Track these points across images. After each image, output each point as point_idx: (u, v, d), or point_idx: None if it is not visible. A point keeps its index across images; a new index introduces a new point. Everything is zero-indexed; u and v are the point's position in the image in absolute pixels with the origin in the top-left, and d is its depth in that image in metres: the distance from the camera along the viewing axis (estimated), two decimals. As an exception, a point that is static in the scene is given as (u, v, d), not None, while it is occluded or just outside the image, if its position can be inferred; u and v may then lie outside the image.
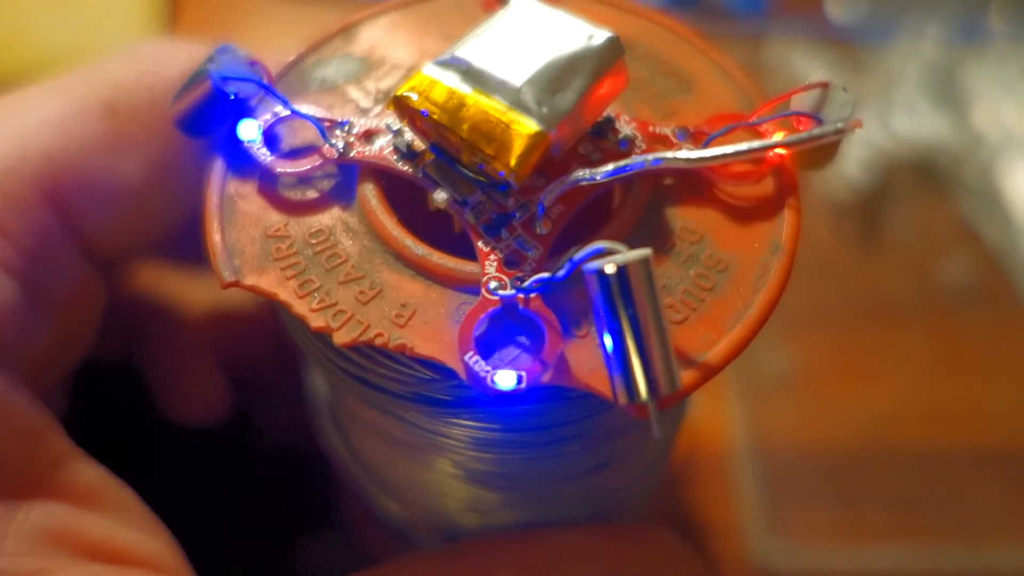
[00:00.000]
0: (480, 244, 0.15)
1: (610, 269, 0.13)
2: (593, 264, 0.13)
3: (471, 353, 0.14)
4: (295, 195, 0.16)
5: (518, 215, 0.15)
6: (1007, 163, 0.34)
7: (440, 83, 0.15)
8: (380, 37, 0.18)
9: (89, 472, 0.17)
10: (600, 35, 0.15)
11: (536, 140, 0.14)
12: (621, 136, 0.16)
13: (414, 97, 0.15)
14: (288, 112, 0.16)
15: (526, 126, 0.14)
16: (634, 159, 0.15)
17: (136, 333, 0.22)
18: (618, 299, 0.13)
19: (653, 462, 0.21)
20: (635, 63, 0.17)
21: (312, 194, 0.16)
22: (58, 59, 0.35)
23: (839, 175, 0.34)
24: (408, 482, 0.19)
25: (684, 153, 0.15)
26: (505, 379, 0.13)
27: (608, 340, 0.13)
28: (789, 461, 0.28)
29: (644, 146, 0.16)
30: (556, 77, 0.15)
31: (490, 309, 0.14)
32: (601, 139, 0.16)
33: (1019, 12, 0.37)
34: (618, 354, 0.13)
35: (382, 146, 0.16)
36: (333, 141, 0.16)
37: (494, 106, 0.14)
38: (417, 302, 0.15)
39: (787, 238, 0.15)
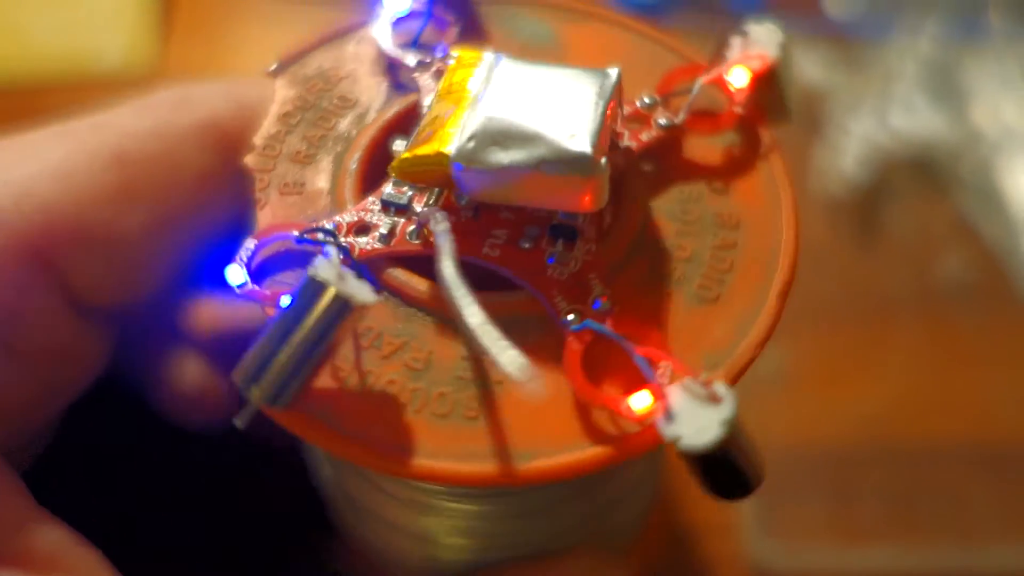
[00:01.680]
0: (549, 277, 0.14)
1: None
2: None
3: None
4: None
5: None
6: (1006, 160, 0.34)
7: None
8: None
9: (51, 535, 0.16)
10: (610, 73, 0.15)
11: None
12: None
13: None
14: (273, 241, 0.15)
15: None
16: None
17: (134, 341, 0.22)
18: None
19: (645, 473, 0.20)
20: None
21: None
22: (51, 56, 0.35)
23: (836, 171, 0.34)
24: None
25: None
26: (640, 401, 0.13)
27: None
28: (783, 459, 0.28)
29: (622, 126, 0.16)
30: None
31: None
32: None
33: (1018, 9, 0.37)
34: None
35: (385, 233, 0.15)
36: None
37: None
38: None
39: (783, 188, 0.16)
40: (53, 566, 0.16)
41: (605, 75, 0.15)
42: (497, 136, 0.14)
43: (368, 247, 0.15)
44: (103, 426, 0.22)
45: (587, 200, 0.14)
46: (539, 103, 0.14)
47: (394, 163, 0.15)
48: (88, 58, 0.35)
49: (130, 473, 0.23)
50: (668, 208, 0.16)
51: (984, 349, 0.31)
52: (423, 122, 0.15)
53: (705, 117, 0.16)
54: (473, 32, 0.17)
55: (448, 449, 0.13)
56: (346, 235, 0.15)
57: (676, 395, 0.13)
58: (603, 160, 0.14)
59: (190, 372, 0.22)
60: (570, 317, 0.14)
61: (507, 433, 0.14)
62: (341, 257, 0.14)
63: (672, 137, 0.16)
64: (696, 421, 0.13)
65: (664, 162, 0.16)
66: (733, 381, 0.14)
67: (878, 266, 0.32)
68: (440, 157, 0.14)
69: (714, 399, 0.13)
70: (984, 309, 0.31)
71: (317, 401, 0.14)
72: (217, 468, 0.24)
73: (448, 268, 0.13)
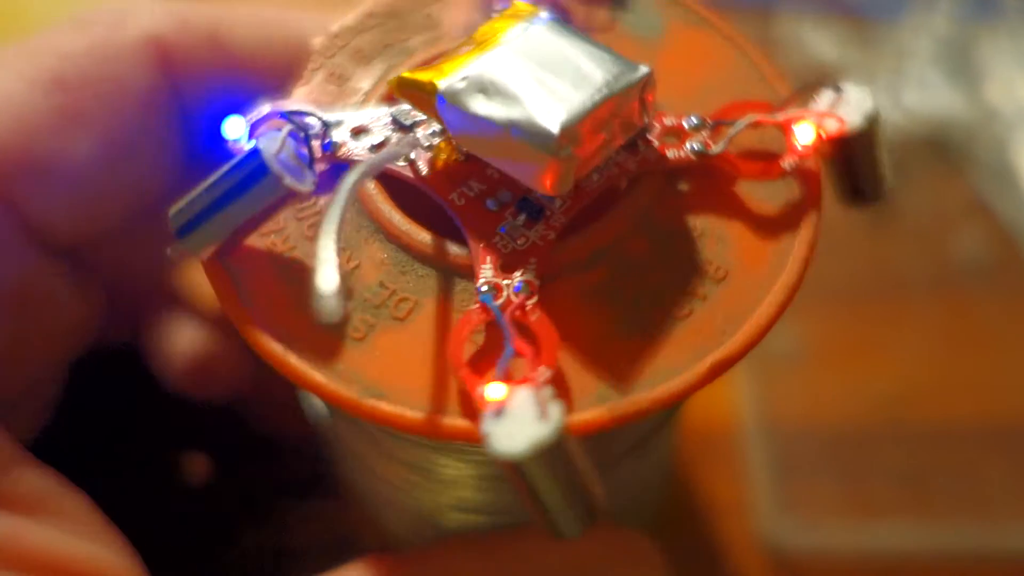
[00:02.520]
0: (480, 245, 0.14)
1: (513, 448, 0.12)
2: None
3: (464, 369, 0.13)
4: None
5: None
6: (1021, 138, 0.34)
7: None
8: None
9: (35, 479, 0.16)
10: (639, 68, 0.14)
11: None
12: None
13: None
14: (274, 111, 0.15)
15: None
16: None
17: (149, 316, 0.22)
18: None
19: (657, 459, 0.20)
20: None
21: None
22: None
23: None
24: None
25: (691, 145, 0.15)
26: (495, 392, 0.13)
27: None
28: (798, 438, 0.28)
29: (656, 137, 0.15)
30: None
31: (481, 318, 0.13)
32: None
33: (1033, -14, 0.37)
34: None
35: (375, 144, 0.15)
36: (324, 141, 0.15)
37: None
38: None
39: (791, 268, 0.15)
40: (39, 508, 0.16)
41: (632, 69, 0.14)
42: (487, 86, 0.14)
43: (356, 151, 0.15)
44: (108, 397, 0.22)
45: (546, 180, 0.13)
46: (544, 71, 0.14)
47: (392, 78, 0.15)
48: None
49: (129, 456, 0.23)
50: (659, 232, 0.15)
51: (999, 328, 0.30)
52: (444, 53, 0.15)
53: (753, 160, 0.15)
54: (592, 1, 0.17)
55: (447, 404, 0.13)
56: (348, 133, 0.15)
57: (519, 398, 0.12)
58: (568, 147, 0.13)
59: (187, 341, 0.21)
60: (482, 287, 0.14)
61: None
62: (298, 143, 0.14)
63: (713, 168, 0.15)
64: (515, 428, 0.12)
65: (693, 186, 0.15)
66: (603, 424, 0.13)
67: (892, 245, 0.32)
68: (430, 86, 0.14)
69: (544, 416, 0.12)
70: (999, 288, 0.31)
71: (327, 357, 0.14)
72: (222, 446, 0.24)
73: (350, 179, 0.13)
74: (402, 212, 0.15)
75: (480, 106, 0.14)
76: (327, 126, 0.15)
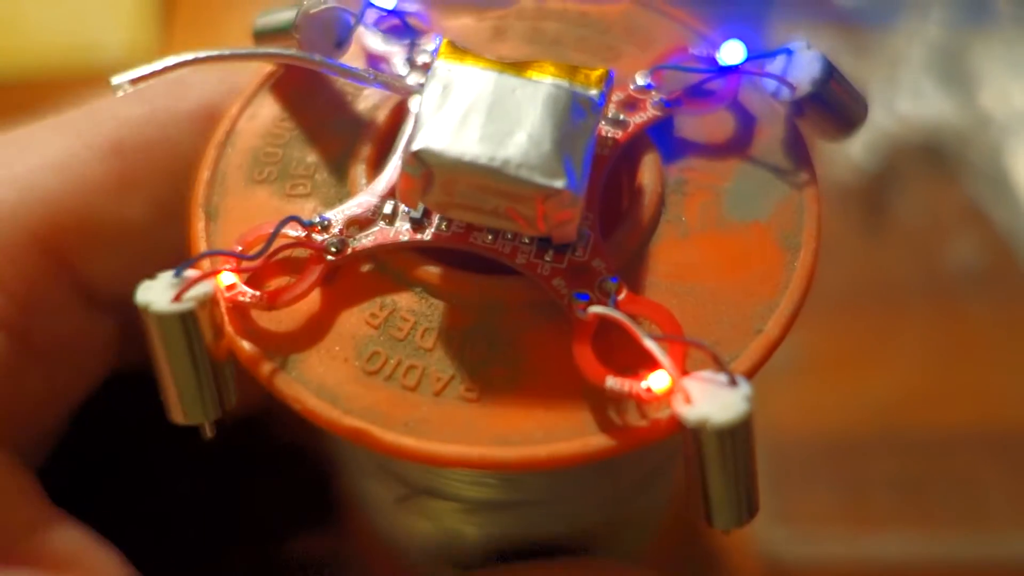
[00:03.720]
0: (537, 273, 0.14)
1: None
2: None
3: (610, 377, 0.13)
4: None
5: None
6: (1015, 144, 0.34)
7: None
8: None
9: (67, 536, 0.16)
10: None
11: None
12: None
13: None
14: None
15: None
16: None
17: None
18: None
19: (660, 466, 0.20)
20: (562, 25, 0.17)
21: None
22: (52, 50, 0.35)
23: (844, 158, 0.34)
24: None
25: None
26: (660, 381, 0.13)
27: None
28: (794, 446, 0.28)
29: (615, 110, 0.15)
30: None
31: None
32: None
33: (1026, -8, 0.37)
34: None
35: (386, 227, 0.15)
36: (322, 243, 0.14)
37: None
38: None
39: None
40: (70, 566, 0.16)
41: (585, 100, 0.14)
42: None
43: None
44: (113, 422, 0.22)
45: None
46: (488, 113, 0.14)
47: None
48: (89, 51, 0.35)
49: (135, 469, 0.23)
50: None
51: (995, 335, 0.30)
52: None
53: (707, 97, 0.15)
54: None
55: (459, 433, 0.13)
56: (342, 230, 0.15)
57: (689, 382, 0.13)
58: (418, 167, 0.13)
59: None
60: (577, 297, 0.14)
61: (517, 417, 0.13)
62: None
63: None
64: (718, 401, 0.12)
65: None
66: (749, 375, 0.13)
67: (887, 253, 0.32)
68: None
69: (731, 383, 0.12)
70: (995, 294, 0.31)
71: (327, 385, 0.14)
72: (218, 465, 0.24)
73: None
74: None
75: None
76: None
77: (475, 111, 0.14)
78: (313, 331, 0.14)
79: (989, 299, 0.31)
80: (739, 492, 0.13)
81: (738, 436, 0.12)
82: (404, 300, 0.15)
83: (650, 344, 0.13)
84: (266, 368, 0.14)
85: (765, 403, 0.28)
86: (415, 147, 0.13)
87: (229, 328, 0.14)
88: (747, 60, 0.15)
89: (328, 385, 0.14)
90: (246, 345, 0.14)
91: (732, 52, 0.15)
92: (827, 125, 0.16)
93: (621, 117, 0.15)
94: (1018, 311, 0.31)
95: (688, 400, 0.12)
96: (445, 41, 0.14)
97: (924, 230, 0.33)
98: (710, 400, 0.12)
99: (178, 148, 0.17)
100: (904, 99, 0.35)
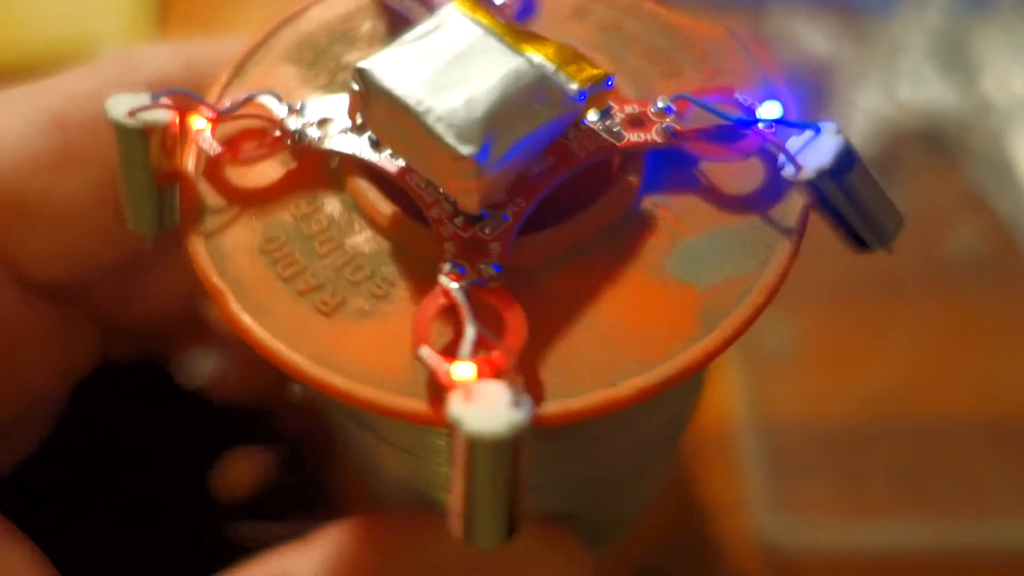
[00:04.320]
0: (441, 229, 0.14)
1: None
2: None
3: (425, 347, 0.13)
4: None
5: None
6: (1016, 131, 0.34)
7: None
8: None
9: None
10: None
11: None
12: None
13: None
14: (236, 102, 0.15)
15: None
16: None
17: (170, 332, 0.22)
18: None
19: (659, 444, 0.20)
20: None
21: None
22: (48, 42, 0.35)
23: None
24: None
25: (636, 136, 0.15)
26: (463, 371, 0.12)
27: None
28: (793, 436, 0.28)
29: (620, 120, 0.15)
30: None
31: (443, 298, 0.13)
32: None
33: (1027, -22, 0.37)
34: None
35: (350, 135, 0.15)
36: (289, 127, 0.15)
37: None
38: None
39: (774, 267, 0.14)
40: None
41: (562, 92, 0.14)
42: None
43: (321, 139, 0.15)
44: (119, 410, 0.22)
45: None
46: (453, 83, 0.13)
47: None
48: (85, 44, 0.35)
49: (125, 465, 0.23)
50: (636, 220, 0.15)
51: (995, 323, 0.30)
52: None
53: (719, 142, 0.15)
54: None
55: (291, 335, 0.14)
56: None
57: (490, 383, 0.12)
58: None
59: (206, 367, 0.22)
60: (445, 268, 0.13)
61: (354, 349, 0.13)
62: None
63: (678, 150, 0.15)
64: (486, 412, 0.12)
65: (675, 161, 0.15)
66: (552, 422, 0.13)
67: (887, 240, 0.32)
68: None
69: (514, 404, 0.12)
70: (995, 283, 0.31)
71: (223, 244, 0.14)
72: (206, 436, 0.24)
73: None
74: (390, 201, 0.15)
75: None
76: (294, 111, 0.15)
77: (438, 55, 0.14)
78: (251, 196, 0.15)
79: (989, 287, 0.31)
80: (489, 507, 0.12)
81: (490, 450, 0.12)
82: (332, 206, 0.15)
83: (468, 334, 0.13)
84: (196, 212, 0.15)
85: (763, 392, 0.28)
86: (360, 64, 0.13)
87: (182, 162, 0.15)
88: (776, 123, 0.14)
89: (224, 245, 0.15)
90: (194, 186, 0.15)
91: (768, 111, 0.14)
92: (834, 227, 0.14)
93: (617, 128, 0.15)
94: (1018, 299, 0.31)
95: (467, 400, 0.12)
96: None
97: (924, 217, 0.32)
98: (481, 408, 0.12)
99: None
100: (904, 86, 0.35)
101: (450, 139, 0.13)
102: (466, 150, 0.13)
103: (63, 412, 0.19)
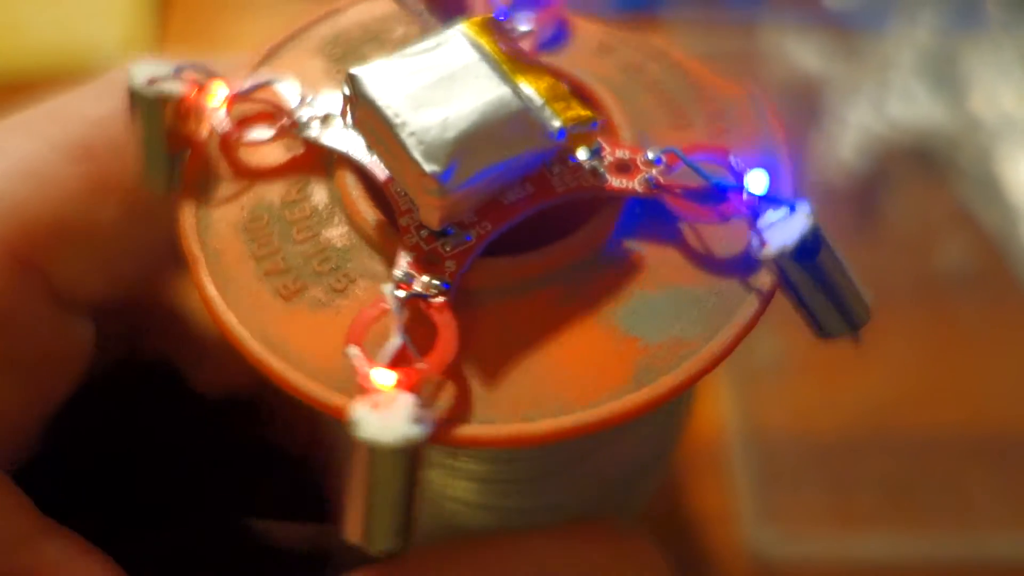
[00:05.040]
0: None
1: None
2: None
3: (354, 347, 0.13)
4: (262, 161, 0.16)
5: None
6: (1005, 148, 0.34)
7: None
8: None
9: (56, 547, 0.16)
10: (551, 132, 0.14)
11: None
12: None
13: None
14: (254, 83, 0.16)
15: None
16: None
17: (175, 332, 0.22)
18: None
19: (655, 451, 0.20)
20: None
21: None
22: (47, 50, 0.35)
23: (834, 161, 0.34)
24: None
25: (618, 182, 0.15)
26: (382, 377, 0.13)
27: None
28: (782, 448, 0.28)
29: (607, 163, 0.15)
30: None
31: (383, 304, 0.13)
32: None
33: (1016, -3, 0.37)
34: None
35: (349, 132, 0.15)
36: (297, 117, 0.16)
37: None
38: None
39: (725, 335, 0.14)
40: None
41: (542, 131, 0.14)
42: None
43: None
44: (98, 424, 0.22)
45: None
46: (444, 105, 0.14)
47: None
48: (84, 51, 0.35)
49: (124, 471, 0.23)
50: (607, 260, 0.15)
51: (983, 337, 0.31)
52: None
53: (700, 202, 0.15)
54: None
55: (248, 313, 0.14)
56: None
57: (404, 399, 0.12)
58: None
59: (208, 365, 0.22)
60: (396, 274, 0.14)
61: (305, 337, 0.14)
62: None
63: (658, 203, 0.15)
64: (384, 418, 0.12)
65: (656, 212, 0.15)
66: (457, 442, 0.13)
67: (877, 255, 0.32)
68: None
69: (412, 420, 0.12)
70: (983, 297, 0.31)
71: (211, 216, 0.15)
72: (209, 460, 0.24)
73: None
74: (373, 203, 0.15)
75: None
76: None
77: (428, 73, 0.14)
78: (251, 174, 0.16)
79: (978, 302, 0.31)
80: (381, 512, 0.13)
81: (383, 458, 0.12)
82: (320, 197, 0.15)
83: (391, 343, 0.13)
84: (195, 182, 0.15)
85: (753, 404, 0.29)
86: (352, 69, 0.14)
87: (195, 133, 0.16)
88: (759, 197, 0.14)
89: (212, 216, 0.15)
90: (200, 157, 0.16)
91: (754, 180, 0.14)
92: (796, 309, 0.14)
93: (602, 171, 0.15)
94: (1007, 314, 0.31)
95: (374, 406, 0.12)
96: (485, 16, 0.15)
97: (914, 233, 0.33)
98: (382, 417, 0.12)
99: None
100: (894, 103, 0.35)
101: (418, 155, 0.13)
102: (430, 168, 0.13)
103: (72, 415, 0.20)
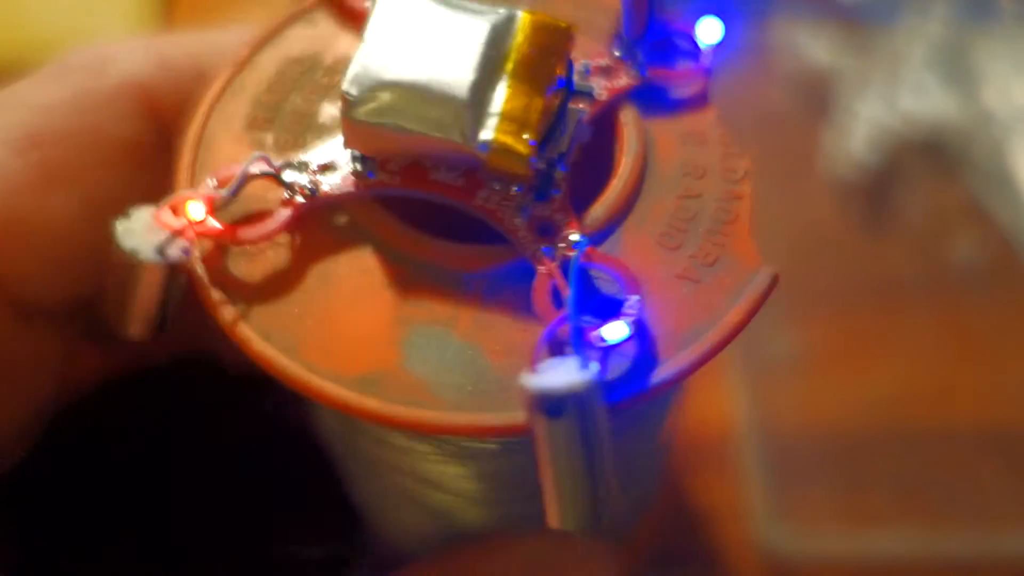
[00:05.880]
0: (504, 224, 0.14)
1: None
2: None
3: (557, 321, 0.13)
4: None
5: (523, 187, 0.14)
6: (1018, 142, 0.34)
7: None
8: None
9: None
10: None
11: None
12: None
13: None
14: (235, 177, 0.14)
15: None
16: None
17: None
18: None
19: (645, 453, 0.20)
20: None
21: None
22: (51, 42, 0.35)
23: (845, 155, 0.34)
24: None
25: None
26: (614, 331, 0.13)
27: None
28: (794, 444, 0.28)
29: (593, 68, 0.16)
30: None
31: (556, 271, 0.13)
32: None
33: (1029, -10, 0.37)
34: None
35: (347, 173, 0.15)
36: (297, 187, 0.14)
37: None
38: None
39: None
40: None
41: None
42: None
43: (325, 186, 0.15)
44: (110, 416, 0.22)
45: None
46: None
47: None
48: (88, 41, 0.35)
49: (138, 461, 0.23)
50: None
51: (996, 332, 0.30)
52: None
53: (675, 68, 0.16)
54: None
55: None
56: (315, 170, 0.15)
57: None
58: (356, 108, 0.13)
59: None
60: (544, 248, 0.14)
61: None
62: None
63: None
64: (562, 374, 0.12)
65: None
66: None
67: (889, 250, 0.32)
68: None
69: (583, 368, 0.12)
70: (996, 292, 0.31)
71: (311, 353, 0.14)
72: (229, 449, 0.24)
73: None
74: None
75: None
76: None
77: (437, 28, 0.14)
78: (280, 283, 0.14)
79: (991, 296, 0.31)
80: (581, 484, 0.12)
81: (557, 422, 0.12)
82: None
83: (618, 284, 0.13)
84: (228, 314, 0.14)
85: (766, 399, 0.28)
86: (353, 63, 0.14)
87: (198, 267, 0.14)
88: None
89: (276, 334, 0.14)
90: (214, 293, 0.14)
91: (705, 30, 0.16)
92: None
93: (594, 90, 0.15)
94: (1019, 308, 0.31)
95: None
96: (551, 19, 0.14)
97: (926, 227, 0.32)
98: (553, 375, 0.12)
99: (104, 132, 0.16)
100: (906, 96, 0.35)
101: (348, 75, 0.14)
102: (346, 87, 0.14)
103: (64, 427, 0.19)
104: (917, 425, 0.28)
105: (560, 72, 0.14)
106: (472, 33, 0.14)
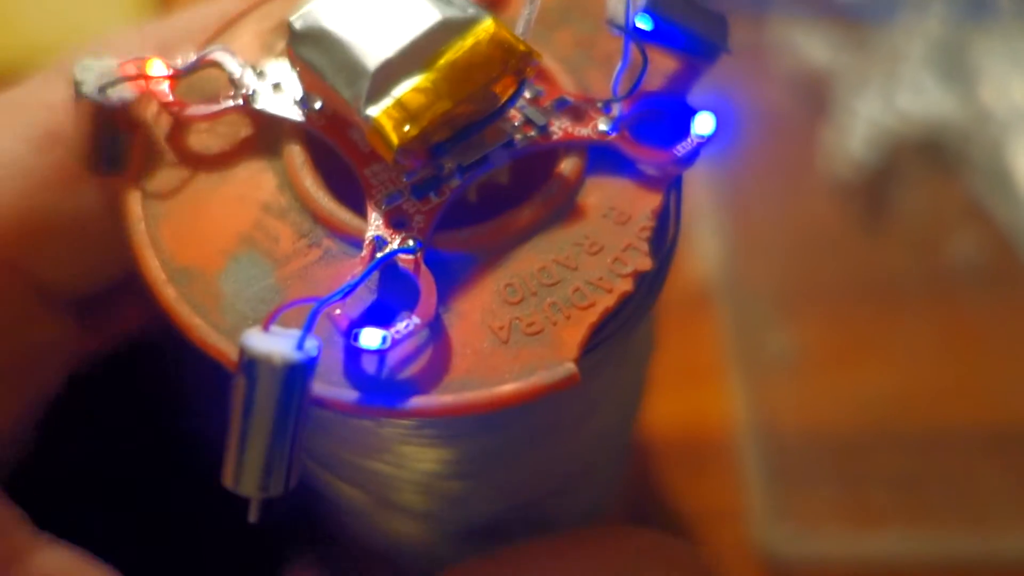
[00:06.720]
0: (371, 204, 0.14)
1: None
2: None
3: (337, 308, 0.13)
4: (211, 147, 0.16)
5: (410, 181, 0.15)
6: (1016, 140, 0.34)
7: None
8: None
9: (54, 561, 0.16)
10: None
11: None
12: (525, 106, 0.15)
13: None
14: (197, 57, 0.16)
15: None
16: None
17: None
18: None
19: (609, 430, 0.20)
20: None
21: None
22: (45, 45, 0.35)
23: (843, 154, 0.34)
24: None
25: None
26: (368, 337, 0.13)
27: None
28: (793, 444, 0.28)
29: (555, 115, 0.15)
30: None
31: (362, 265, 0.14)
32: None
33: (1027, -13, 0.37)
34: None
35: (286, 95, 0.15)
36: (244, 89, 0.15)
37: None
38: None
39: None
40: None
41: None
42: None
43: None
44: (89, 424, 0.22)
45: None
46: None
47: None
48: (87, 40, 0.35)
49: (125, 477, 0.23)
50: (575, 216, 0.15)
51: (994, 331, 0.30)
52: None
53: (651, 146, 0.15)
54: None
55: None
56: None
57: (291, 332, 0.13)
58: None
59: None
60: (372, 235, 0.14)
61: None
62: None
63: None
64: (276, 343, 0.12)
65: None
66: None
67: (887, 249, 0.32)
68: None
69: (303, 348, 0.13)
70: (994, 291, 0.31)
71: (167, 229, 0.15)
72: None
73: None
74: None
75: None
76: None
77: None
78: (197, 159, 0.15)
79: (989, 295, 0.31)
80: (265, 447, 0.13)
81: (263, 378, 0.12)
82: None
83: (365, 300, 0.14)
84: (141, 163, 0.15)
85: (764, 400, 0.28)
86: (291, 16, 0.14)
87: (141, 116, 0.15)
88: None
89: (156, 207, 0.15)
90: (146, 141, 0.15)
91: (700, 123, 0.15)
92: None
93: (540, 119, 0.15)
94: (1018, 307, 0.31)
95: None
96: (505, 34, 0.14)
97: (924, 226, 0.32)
98: (272, 341, 0.12)
99: None
100: (904, 95, 0.35)
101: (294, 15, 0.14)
102: (293, 20, 0.14)
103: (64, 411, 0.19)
104: (916, 425, 0.28)
105: (497, 89, 0.14)
106: (420, 20, 0.14)
